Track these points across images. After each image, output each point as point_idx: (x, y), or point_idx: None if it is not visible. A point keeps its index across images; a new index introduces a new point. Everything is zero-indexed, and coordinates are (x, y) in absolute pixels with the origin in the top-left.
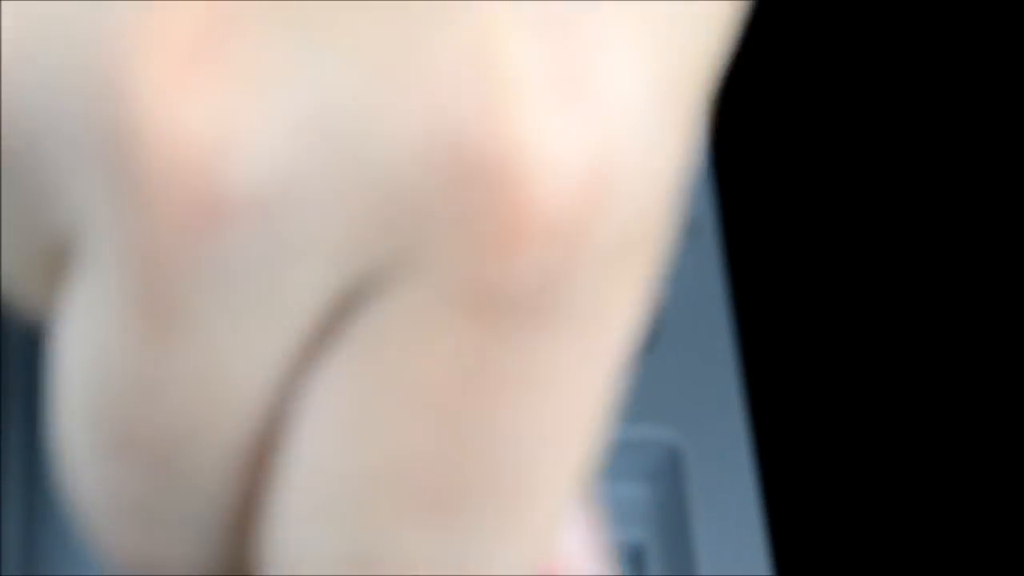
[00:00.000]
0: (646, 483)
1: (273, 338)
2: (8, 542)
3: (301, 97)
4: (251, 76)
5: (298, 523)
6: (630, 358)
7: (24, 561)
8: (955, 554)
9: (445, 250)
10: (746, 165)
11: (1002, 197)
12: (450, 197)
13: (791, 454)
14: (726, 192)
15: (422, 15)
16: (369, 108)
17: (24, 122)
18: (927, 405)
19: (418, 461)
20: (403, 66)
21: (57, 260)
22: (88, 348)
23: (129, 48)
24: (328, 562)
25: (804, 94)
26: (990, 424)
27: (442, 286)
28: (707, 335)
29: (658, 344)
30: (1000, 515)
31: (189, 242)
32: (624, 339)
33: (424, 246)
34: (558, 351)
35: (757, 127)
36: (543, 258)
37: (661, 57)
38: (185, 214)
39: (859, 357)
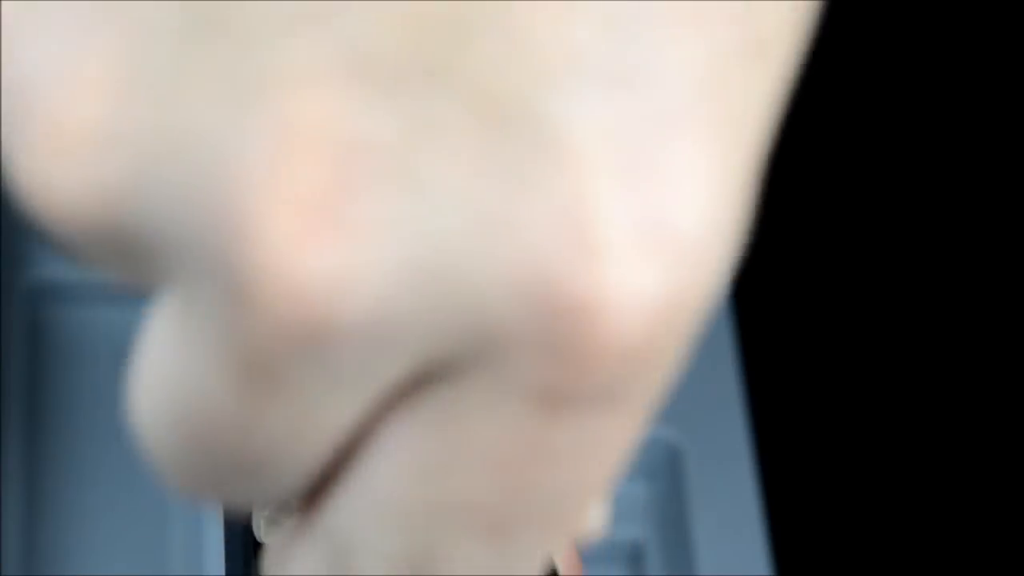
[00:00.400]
0: (645, 481)
1: (356, 402)
2: (8, 542)
3: (407, 244)
4: (365, 228)
5: (362, 519)
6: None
7: (24, 561)
8: (955, 554)
9: (523, 358)
10: None
11: (1001, 198)
12: (534, 328)
13: (790, 452)
14: None
15: (519, 168)
16: (467, 254)
17: (135, 229)
18: (927, 405)
19: (475, 499)
20: (499, 217)
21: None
22: (183, 369)
23: (260, 192)
24: (384, 552)
25: (804, 99)
26: (990, 424)
27: (514, 382)
28: (707, 333)
29: None
30: (1000, 515)
31: (292, 348)
32: (659, 398)
33: (503, 351)
34: (607, 428)
35: None
36: (613, 374)
37: (729, 170)
38: (293, 333)
39: (859, 356)
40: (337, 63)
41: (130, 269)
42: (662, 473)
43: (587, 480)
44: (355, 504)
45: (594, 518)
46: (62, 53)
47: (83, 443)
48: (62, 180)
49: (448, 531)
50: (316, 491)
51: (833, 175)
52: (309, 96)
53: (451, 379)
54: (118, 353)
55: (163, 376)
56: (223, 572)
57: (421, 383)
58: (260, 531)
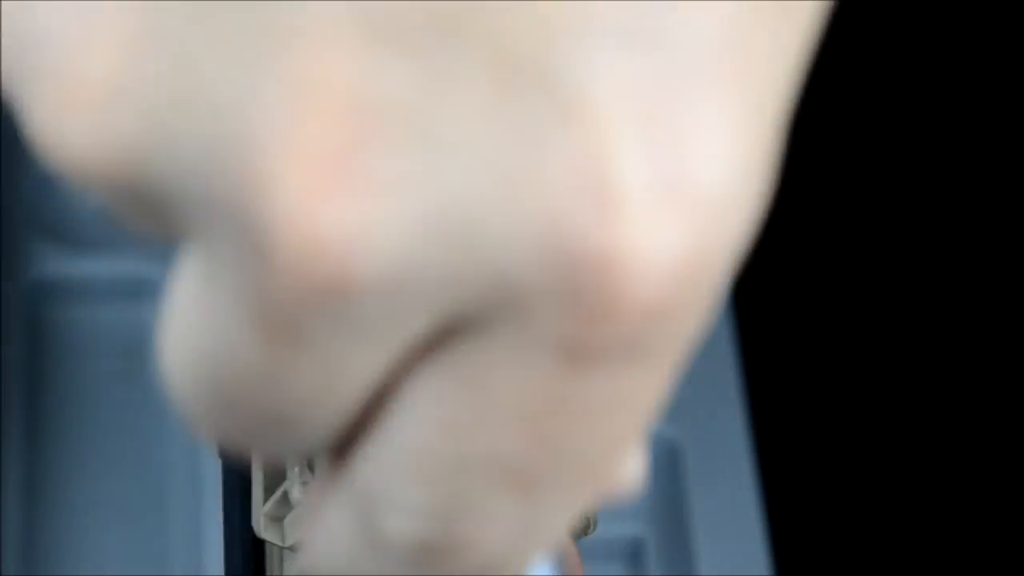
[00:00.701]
0: (645, 479)
1: (380, 357)
2: (8, 542)
3: (424, 200)
4: (382, 183)
5: (389, 477)
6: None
7: (24, 561)
8: (955, 554)
9: (545, 315)
10: None
11: (1001, 199)
12: (556, 285)
13: (789, 450)
14: None
15: (537, 125)
16: (486, 210)
17: (155, 183)
18: (927, 405)
19: (502, 453)
20: (518, 173)
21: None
22: (209, 327)
23: (277, 151)
24: (411, 509)
25: (804, 99)
26: (990, 424)
27: (537, 337)
28: (707, 333)
29: None
30: (1000, 515)
31: (313, 303)
32: (685, 354)
33: (526, 308)
34: (632, 382)
35: None
36: (635, 329)
37: (752, 129)
38: (313, 288)
39: (859, 356)
40: (353, 20)
41: (152, 222)
42: (662, 471)
43: (615, 434)
44: (382, 458)
45: (630, 470)
46: (78, 7)
47: (83, 443)
48: (77, 133)
49: (475, 485)
50: (344, 447)
51: (832, 175)
52: (325, 53)
53: (474, 334)
54: (118, 352)
55: (190, 330)
56: (223, 572)
57: (445, 337)
58: (260, 529)
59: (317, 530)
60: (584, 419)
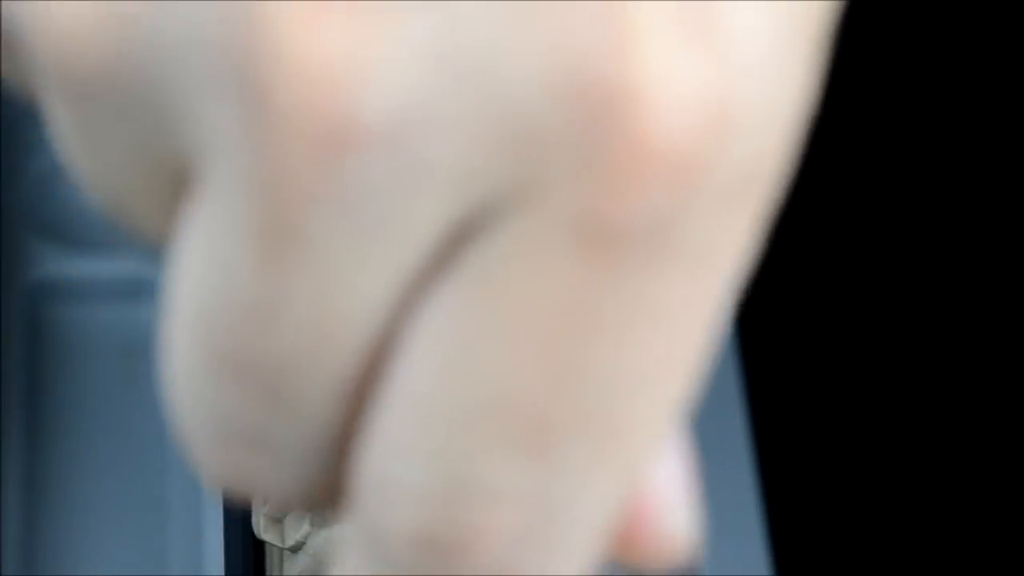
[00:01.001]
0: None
1: (389, 267)
2: (8, 542)
3: (433, 30)
4: (385, 7)
5: (391, 452)
6: (733, 296)
7: (24, 561)
8: (955, 554)
9: (563, 181)
10: None
11: (1000, 200)
12: (572, 129)
13: (790, 451)
14: None
15: None
16: (499, 42)
17: (147, 47)
18: (927, 405)
19: (517, 392)
20: (529, 3)
21: (178, 183)
22: (206, 270)
23: None
24: (415, 492)
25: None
26: (990, 424)
27: (556, 216)
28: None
29: None
30: (1000, 515)
31: (316, 165)
32: (729, 278)
33: (543, 176)
34: (664, 289)
35: None
36: (659, 194)
37: (792, 8)
38: (314, 138)
39: (858, 356)
40: None
41: (141, 136)
42: None
43: (640, 374)
44: (382, 440)
45: (657, 478)
46: None
47: (83, 443)
48: (67, 13)
49: (483, 448)
50: (345, 489)
51: (833, 177)
52: None
53: (487, 230)
54: (118, 352)
55: (189, 287)
56: (223, 572)
57: (457, 246)
58: (259, 529)
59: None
60: (607, 341)
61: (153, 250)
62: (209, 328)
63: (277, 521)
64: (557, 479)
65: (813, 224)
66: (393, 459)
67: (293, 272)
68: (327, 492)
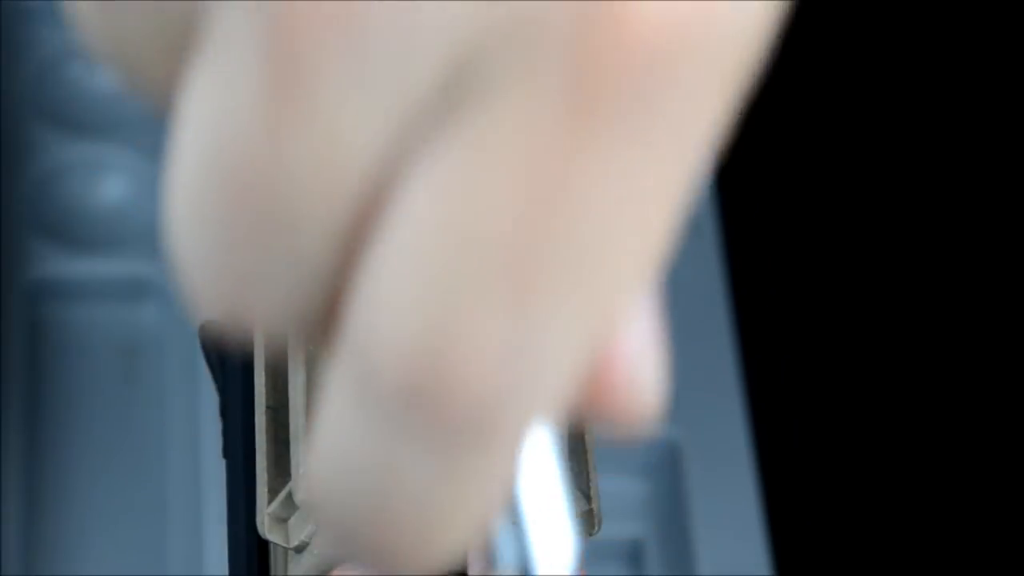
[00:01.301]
0: (645, 478)
1: (388, 112)
2: (8, 542)
3: None
4: None
5: (380, 301)
6: (707, 164)
7: (24, 561)
8: (955, 554)
9: (553, 53)
10: (745, 165)
11: (1000, 199)
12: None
13: (789, 449)
14: (726, 192)
15: None
16: None
17: None
18: (926, 405)
19: (503, 237)
20: None
21: (184, 35)
22: (213, 111)
23: None
24: (401, 341)
25: (803, 95)
26: (990, 424)
27: (544, 87)
28: (706, 331)
29: None
30: (1000, 515)
31: (322, 6)
32: (704, 146)
33: (533, 41)
34: (643, 154)
35: (756, 126)
36: (640, 72)
37: None
38: None
39: (858, 355)
40: None
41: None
42: (662, 471)
43: (618, 229)
44: (372, 289)
45: (630, 329)
46: None
47: (83, 443)
48: None
49: (468, 299)
50: (336, 328)
51: (833, 173)
52: None
53: (481, 93)
54: (118, 352)
55: (195, 128)
56: (223, 572)
57: (450, 101)
58: (264, 529)
59: (321, 427)
60: (589, 202)
61: (154, 250)
62: (215, 165)
63: (282, 521)
64: (536, 331)
65: (813, 224)
66: (381, 308)
67: (296, 109)
68: (320, 328)
